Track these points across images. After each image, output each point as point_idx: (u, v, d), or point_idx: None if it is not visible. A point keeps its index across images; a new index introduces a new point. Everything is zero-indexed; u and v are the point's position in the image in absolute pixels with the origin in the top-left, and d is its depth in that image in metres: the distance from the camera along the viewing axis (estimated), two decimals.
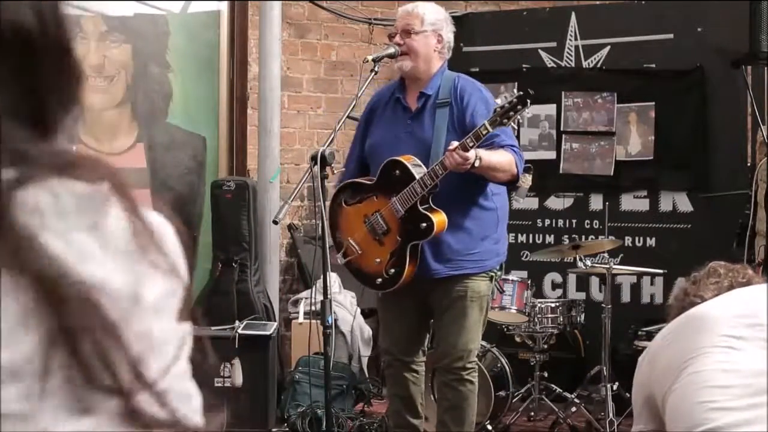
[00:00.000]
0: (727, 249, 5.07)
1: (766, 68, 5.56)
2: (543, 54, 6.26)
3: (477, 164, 3.60)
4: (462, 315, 3.87)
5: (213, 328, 5.22)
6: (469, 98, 3.84)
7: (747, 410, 1.83)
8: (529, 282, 5.24)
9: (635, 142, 6.04)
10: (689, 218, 5.92)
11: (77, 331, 0.73)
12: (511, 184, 3.87)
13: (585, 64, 6.17)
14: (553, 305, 5.22)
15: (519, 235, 6.22)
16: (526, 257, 6.18)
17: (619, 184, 6.07)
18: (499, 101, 3.64)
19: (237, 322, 5.28)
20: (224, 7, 6.28)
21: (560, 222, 6.24)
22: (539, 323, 5.17)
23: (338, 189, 4.03)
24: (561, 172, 6.17)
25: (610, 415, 4.72)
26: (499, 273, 4.03)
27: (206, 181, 6.16)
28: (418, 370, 4.05)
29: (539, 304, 5.19)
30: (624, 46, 6.07)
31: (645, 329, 5.06)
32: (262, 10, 5.91)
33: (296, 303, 5.86)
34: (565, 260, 5.85)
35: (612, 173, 6.07)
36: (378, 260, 3.88)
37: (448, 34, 3.99)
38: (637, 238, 6.03)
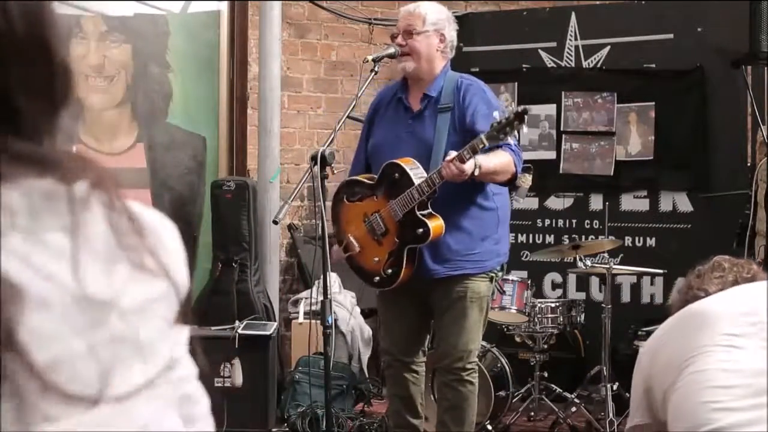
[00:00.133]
0: (727, 249, 5.06)
1: (766, 68, 5.56)
2: (543, 54, 6.26)
3: (476, 173, 3.61)
4: (462, 315, 3.87)
5: (213, 328, 5.22)
6: (471, 98, 3.84)
7: (750, 410, 1.83)
8: (529, 282, 5.24)
9: (635, 142, 6.04)
10: (689, 218, 5.92)
11: (26, 335, 0.70)
12: (511, 183, 3.87)
13: (585, 64, 6.17)
14: (553, 305, 5.22)
15: (519, 235, 6.22)
16: (526, 257, 6.18)
17: (619, 184, 6.07)
18: (497, 115, 3.63)
19: (237, 322, 5.28)
20: (224, 7, 6.28)
21: (560, 222, 6.24)
22: (539, 323, 5.17)
23: (341, 185, 4.04)
24: (561, 172, 6.17)
25: (610, 415, 4.72)
26: (500, 273, 4.03)
27: (206, 181, 6.16)
28: (418, 371, 4.05)
29: (539, 304, 5.19)
30: (624, 46, 6.07)
31: (645, 329, 5.05)
32: (262, 10, 5.91)
33: (296, 303, 5.86)
34: (565, 260, 5.85)
35: (612, 173, 6.07)
36: (376, 259, 3.90)
37: (451, 33, 3.98)
38: (637, 238, 6.03)
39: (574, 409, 5.08)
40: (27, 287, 0.71)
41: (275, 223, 3.92)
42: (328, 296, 3.57)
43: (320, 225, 3.67)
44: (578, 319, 5.29)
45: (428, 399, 4.89)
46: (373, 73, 3.90)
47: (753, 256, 5.20)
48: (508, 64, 6.28)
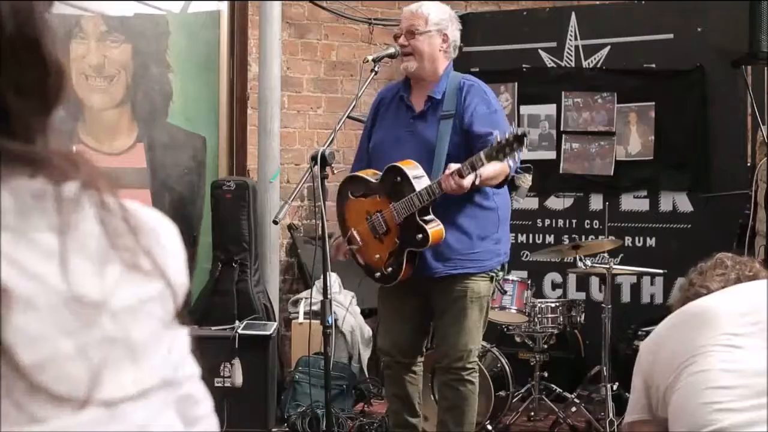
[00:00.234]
0: (727, 249, 5.00)
1: (766, 68, 5.56)
2: (543, 54, 6.26)
3: (477, 182, 3.63)
4: (462, 315, 3.87)
5: (213, 328, 5.22)
6: (471, 99, 3.85)
7: (751, 411, 1.83)
8: (529, 282, 5.24)
9: (635, 142, 6.04)
10: (689, 218, 5.92)
11: (12, 336, 0.70)
12: (504, 185, 3.88)
13: (585, 64, 6.17)
14: (553, 305, 5.22)
15: (519, 235, 6.22)
16: (526, 257, 6.18)
17: (619, 184, 6.07)
18: (497, 134, 3.63)
19: (237, 322, 5.28)
20: (224, 7, 6.28)
21: (560, 222, 6.24)
22: (539, 323, 5.16)
23: (346, 179, 4.06)
24: (561, 172, 6.17)
25: (610, 415, 4.72)
26: (500, 273, 4.04)
27: (206, 181, 6.16)
28: (416, 371, 4.06)
29: (539, 304, 5.19)
30: (624, 46, 6.07)
31: (645, 329, 5.05)
32: (262, 10, 5.91)
33: (296, 303, 5.86)
34: (565, 260, 5.85)
35: (612, 173, 6.07)
36: (377, 256, 3.92)
37: (454, 32, 3.98)
38: (637, 238, 6.03)
39: (574, 409, 5.08)
40: (13, 287, 0.71)
41: (275, 223, 3.92)
42: (328, 296, 3.57)
43: (320, 225, 3.67)
44: (578, 319, 5.28)
45: (428, 399, 4.89)
46: (373, 73, 3.90)
47: (753, 256, 5.20)
48: (508, 64, 6.28)
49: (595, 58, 6.15)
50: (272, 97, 5.88)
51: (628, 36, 6.06)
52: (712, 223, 5.74)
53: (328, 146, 3.69)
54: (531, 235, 6.27)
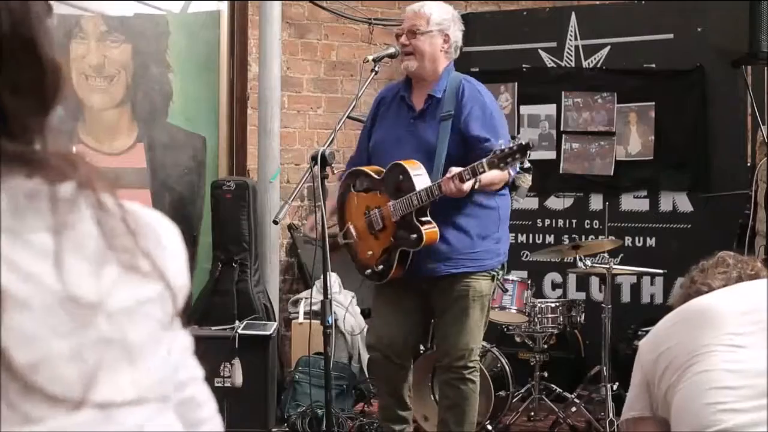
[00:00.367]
0: (727, 249, 5.03)
1: (766, 68, 5.56)
2: (543, 54, 6.26)
3: (477, 186, 3.65)
4: (464, 314, 3.88)
5: (213, 328, 5.22)
6: (467, 101, 3.86)
7: (755, 412, 1.83)
8: (529, 282, 5.24)
9: (635, 142, 6.04)
10: (689, 218, 5.92)
11: (6, 336, 0.70)
12: (503, 189, 3.90)
13: (585, 64, 6.17)
14: (553, 305, 5.22)
15: (519, 235, 6.22)
16: (526, 257, 6.18)
17: (619, 184, 6.07)
18: (501, 142, 3.64)
19: (237, 322, 5.27)
20: (224, 7, 6.28)
21: (560, 222, 6.24)
22: (539, 323, 5.16)
23: (350, 172, 4.07)
24: (561, 172, 6.17)
25: (610, 415, 4.72)
26: (501, 273, 4.04)
27: (206, 181, 6.15)
28: (408, 367, 4.07)
29: (539, 304, 5.19)
30: (624, 46, 6.07)
31: (645, 329, 5.04)
32: (262, 10, 5.91)
33: (296, 303, 5.86)
34: (565, 260, 5.85)
35: (612, 173, 6.07)
36: (370, 253, 3.94)
37: (456, 33, 3.98)
38: (637, 238, 6.03)
39: (574, 409, 5.08)
40: (6, 287, 0.70)
41: (275, 223, 3.92)
42: (328, 296, 3.57)
43: (320, 225, 3.67)
44: (578, 319, 5.28)
45: (428, 399, 4.89)
46: (373, 73, 3.90)
47: (753, 255, 5.20)
48: (508, 64, 6.28)
49: (595, 58, 6.15)
50: (272, 97, 5.87)
51: (628, 36, 6.06)
52: (712, 223, 5.74)
53: (328, 146, 3.69)
54: (531, 235, 6.27)
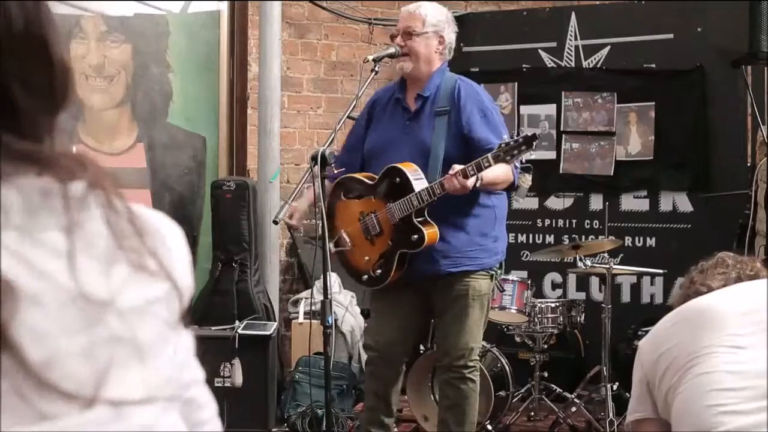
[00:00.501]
0: (727, 249, 5.02)
1: (766, 68, 5.56)
2: (543, 54, 6.26)
3: (478, 185, 3.64)
4: (463, 314, 3.88)
5: (213, 328, 5.22)
6: (466, 102, 3.86)
7: (756, 414, 1.83)
8: (529, 282, 5.24)
9: (635, 142, 6.04)
10: (689, 218, 5.92)
11: (19, 333, 0.70)
12: (508, 191, 3.91)
13: (585, 64, 6.17)
14: (553, 305, 5.21)
15: (519, 235, 6.22)
16: (526, 257, 6.18)
17: (619, 184, 6.07)
18: (506, 137, 3.65)
19: (237, 322, 5.28)
20: (224, 7, 6.28)
21: (560, 222, 6.24)
22: (539, 323, 5.16)
23: (339, 180, 4.03)
24: (561, 172, 6.17)
25: (610, 415, 4.72)
26: (499, 272, 4.04)
27: (206, 181, 6.16)
28: (400, 371, 4.06)
29: (539, 304, 5.19)
30: (624, 46, 6.07)
31: (645, 329, 5.04)
32: (262, 10, 5.91)
33: (296, 303, 5.86)
34: (565, 260, 5.85)
35: (612, 173, 6.07)
36: (367, 258, 3.92)
37: (450, 34, 3.99)
38: (637, 238, 6.03)
39: (574, 409, 5.08)
40: (20, 285, 0.71)
41: (275, 223, 3.92)
42: (328, 296, 3.56)
43: (320, 225, 3.67)
44: (578, 319, 5.28)
45: (428, 399, 4.89)
46: (373, 73, 3.90)
47: (753, 256, 5.20)
48: (508, 64, 6.28)
49: (595, 58, 6.15)
50: (272, 97, 5.88)
51: (628, 36, 6.06)
52: (712, 223, 5.74)
53: (328, 146, 3.69)
54: (531, 235, 6.27)
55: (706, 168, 5.87)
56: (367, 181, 3.95)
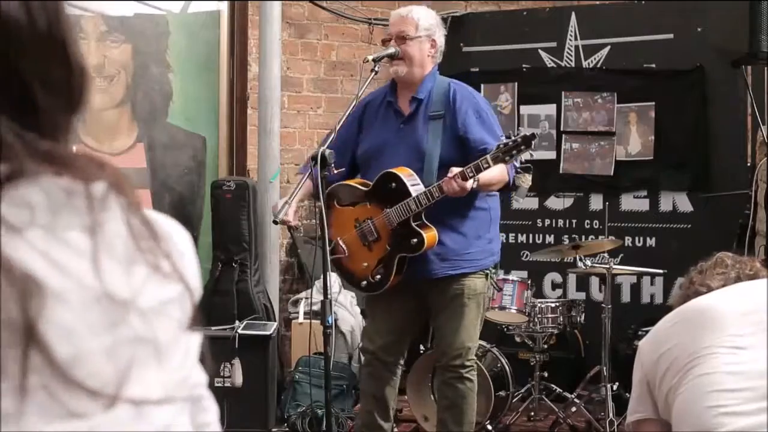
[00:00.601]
0: (727, 249, 5.00)
1: (766, 68, 5.56)
2: (543, 54, 6.26)
3: (475, 186, 3.65)
4: (460, 313, 3.89)
5: (213, 328, 5.22)
6: (461, 105, 3.87)
7: (756, 415, 1.82)
8: (529, 282, 5.24)
9: (635, 142, 6.04)
10: (689, 218, 5.92)
11: (47, 330, 0.71)
12: (503, 192, 3.92)
13: (585, 64, 6.17)
14: (553, 305, 5.22)
15: (519, 235, 6.22)
16: (526, 257, 6.18)
17: (619, 184, 6.07)
18: (503, 138, 3.65)
19: (237, 322, 5.28)
20: (224, 7, 6.28)
21: (560, 222, 6.24)
22: (539, 323, 5.16)
23: (332, 188, 4.01)
24: (561, 172, 6.17)
25: (610, 415, 4.72)
26: (494, 272, 4.06)
27: (206, 181, 6.16)
28: (396, 372, 4.06)
29: (539, 304, 5.19)
30: (624, 46, 6.07)
31: (645, 329, 5.04)
32: (262, 10, 5.91)
33: (296, 303, 5.86)
34: (565, 260, 5.85)
35: (612, 173, 6.07)
36: (365, 264, 3.92)
37: (441, 38, 4.01)
38: (637, 238, 6.03)
39: (574, 409, 5.08)
40: (47, 282, 0.71)
41: (275, 223, 3.92)
42: (328, 296, 3.57)
43: (320, 225, 3.67)
44: (578, 319, 5.28)
45: (428, 399, 4.89)
46: (373, 73, 3.90)
47: (753, 256, 5.20)
48: (508, 64, 6.28)
49: (595, 58, 6.15)
50: (272, 97, 5.88)
51: (628, 36, 6.06)
52: (712, 223, 5.74)
53: (328, 146, 3.69)
54: (531, 235, 6.27)
55: (706, 168, 5.87)
56: (360, 187, 3.96)
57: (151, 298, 0.78)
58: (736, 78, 5.67)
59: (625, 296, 6.04)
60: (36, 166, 0.74)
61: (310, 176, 3.65)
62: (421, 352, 5.00)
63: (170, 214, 0.88)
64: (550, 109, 6.20)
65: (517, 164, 3.79)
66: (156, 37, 6.13)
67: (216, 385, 4.97)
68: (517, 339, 5.34)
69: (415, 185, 3.79)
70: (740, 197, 5.53)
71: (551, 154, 6.16)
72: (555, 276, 6.19)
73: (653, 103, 5.98)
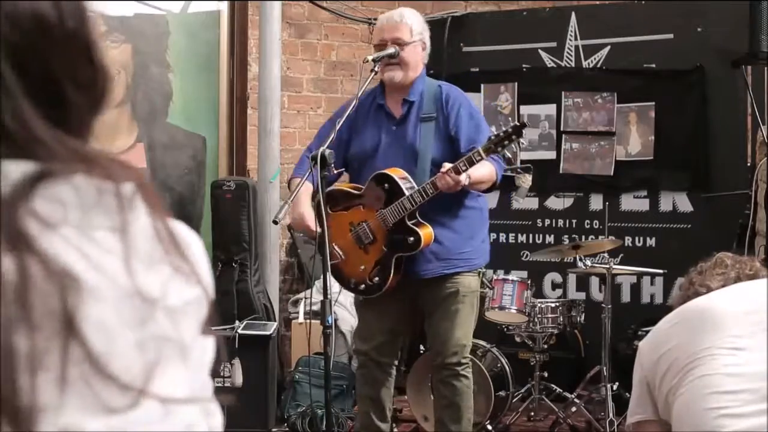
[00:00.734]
0: (727, 249, 4.99)
1: (766, 68, 5.56)
2: (543, 54, 6.26)
3: (467, 182, 3.66)
4: (454, 311, 3.90)
5: (213, 328, 5.22)
6: (452, 106, 3.89)
7: (756, 416, 1.82)
8: (529, 282, 5.23)
9: (635, 142, 6.04)
10: (689, 218, 5.92)
11: (84, 324, 0.72)
12: (491, 191, 3.95)
13: (585, 64, 6.17)
14: (553, 305, 5.21)
15: (519, 235, 6.22)
16: (526, 257, 6.18)
17: (619, 184, 6.07)
18: (494, 129, 3.67)
19: (237, 322, 5.28)
20: (224, 7, 6.28)
21: (560, 222, 6.24)
22: (539, 323, 5.16)
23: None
24: (561, 172, 6.17)
25: (610, 415, 4.72)
26: (486, 271, 4.09)
27: (206, 181, 6.16)
28: (391, 373, 4.06)
29: (539, 304, 5.19)
30: (624, 46, 6.07)
31: (645, 329, 5.04)
32: (262, 10, 5.91)
33: (296, 303, 5.86)
34: (565, 260, 5.85)
35: (612, 173, 6.07)
36: (362, 267, 3.93)
37: (428, 39, 4.04)
38: (637, 238, 6.03)
39: (574, 409, 5.08)
40: (83, 277, 0.73)
41: (275, 223, 3.92)
42: (328, 296, 3.57)
43: (320, 225, 3.67)
44: (578, 319, 5.28)
45: (428, 399, 4.89)
46: (373, 73, 3.90)
47: (753, 256, 5.19)
48: (508, 64, 6.28)
49: (595, 58, 6.15)
50: (272, 97, 5.88)
51: (628, 36, 6.06)
52: (712, 223, 5.74)
53: (328, 146, 3.69)
54: (531, 235, 6.27)
55: (706, 168, 5.87)
56: (352, 191, 3.96)
57: (176, 298, 0.79)
58: (736, 78, 5.66)
59: (625, 296, 6.04)
60: (67, 164, 0.75)
61: (310, 177, 3.65)
62: (421, 352, 5.00)
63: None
64: (550, 109, 6.20)
65: (504, 164, 3.80)
66: (156, 37, 6.13)
67: (216, 385, 4.96)
68: (517, 339, 5.33)
69: (408, 185, 3.80)
70: (740, 197, 5.53)
71: (551, 154, 6.16)
72: (555, 276, 6.19)
73: (653, 103, 5.98)
